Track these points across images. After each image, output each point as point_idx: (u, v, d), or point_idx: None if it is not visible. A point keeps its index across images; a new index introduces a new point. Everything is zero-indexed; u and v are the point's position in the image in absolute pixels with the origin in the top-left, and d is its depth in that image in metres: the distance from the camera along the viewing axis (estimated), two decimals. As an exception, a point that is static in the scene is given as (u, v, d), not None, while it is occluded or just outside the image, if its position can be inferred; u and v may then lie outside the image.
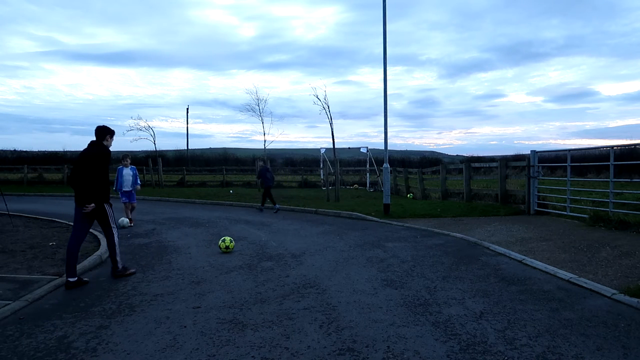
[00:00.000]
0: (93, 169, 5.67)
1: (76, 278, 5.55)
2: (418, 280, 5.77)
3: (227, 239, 7.74)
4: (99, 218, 5.88)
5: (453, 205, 14.21)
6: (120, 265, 5.99)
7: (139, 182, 11.34)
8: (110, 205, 5.97)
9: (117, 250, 6.00)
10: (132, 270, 6.15)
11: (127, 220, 10.68)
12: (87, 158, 5.69)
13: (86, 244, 8.25)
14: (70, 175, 5.77)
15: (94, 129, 5.91)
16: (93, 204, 5.68)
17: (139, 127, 31.24)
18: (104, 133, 5.91)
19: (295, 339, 3.85)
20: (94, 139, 5.89)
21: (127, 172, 10.99)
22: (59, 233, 9.56)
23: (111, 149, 6.06)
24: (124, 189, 10.94)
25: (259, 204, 15.16)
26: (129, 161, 11.13)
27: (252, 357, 3.52)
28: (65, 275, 5.57)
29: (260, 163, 15.73)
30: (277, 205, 14.72)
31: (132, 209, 11.16)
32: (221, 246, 7.64)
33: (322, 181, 26.66)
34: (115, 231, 6.02)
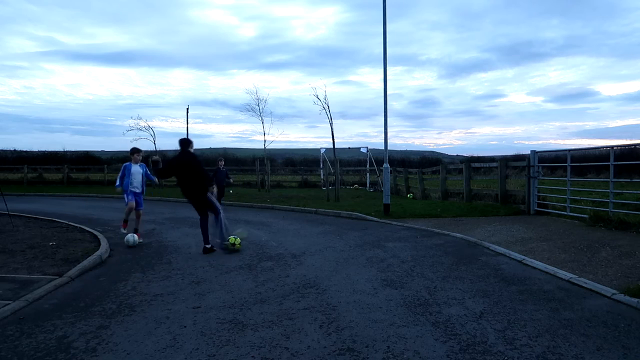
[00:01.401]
0: (198, 169, 7.79)
1: (210, 245, 7.64)
2: (418, 280, 5.77)
3: (237, 239, 7.84)
4: (208, 205, 7.80)
5: (453, 205, 14.21)
6: (213, 244, 7.73)
7: (153, 178, 9.43)
8: (212, 192, 7.84)
9: (223, 226, 7.81)
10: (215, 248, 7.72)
11: (136, 237, 8.52)
12: (192, 161, 7.80)
13: (86, 244, 8.26)
14: (188, 177, 7.76)
15: (180, 140, 8.01)
16: (214, 189, 7.89)
17: (139, 127, 31.04)
18: (189, 143, 8.05)
19: (295, 339, 3.85)
20: (180, 148, 7.98)
21: (137, 170, 9.03)
22: (59, 233, 9.55)
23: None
24: (131, 189, 8.95)
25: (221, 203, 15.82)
26: (140, 157, 9.21)
27: (252, 357, 3.52)
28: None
29: (222, 163, 15.62)
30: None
31: (139, 216, 9.15)
32: (229, 245, 7.72)
33: (322, 181, 26.66)
34: (221, 210, 7.95)
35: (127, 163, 9.12)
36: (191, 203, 7.91)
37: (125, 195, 9.02)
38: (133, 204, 8.94)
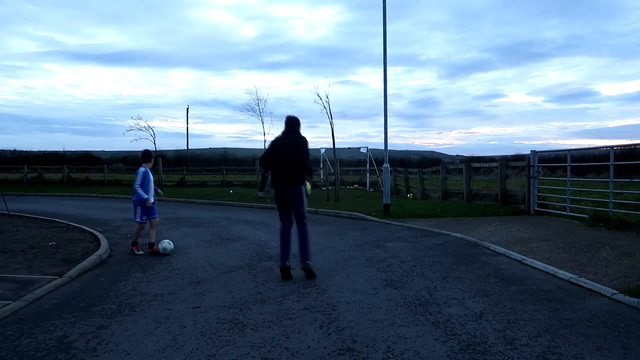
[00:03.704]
0: (305, 156, 6.12)
1: (289, 264, 5.93)
2: (418, 280, 5.77)
3: None
4: (299, 207, 6.07)
5: (453, 205, 14.21)
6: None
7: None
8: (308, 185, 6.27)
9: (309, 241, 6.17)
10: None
11: (171, 243, 7.75)
12: (300, 145, 6.12)
13: (86, 244, 8.26)
14: (289, 164, 6.05)
15: (288, 118, 6.29)
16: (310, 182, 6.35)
17: (139, 127, 31.00)
18: (299, 123, 6.34)
19: (295, 339, 3.85)
20: (285, 128, 6.26)
21: (151, 178, 7.75)
22: (59, 233, 9.56)
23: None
24: (151, 199, 7.64)
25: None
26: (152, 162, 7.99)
27: (252, 357, 3.52)
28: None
29: None
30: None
31: (155, 226, 7.95)
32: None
33: (322, 181, 26.66)
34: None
35: (145, 169, 7.65)
36: (280, 203, 6.15)
37: (140, 214, 7.66)
38: (155, 218, 7.84)
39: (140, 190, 7.53)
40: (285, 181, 6.04)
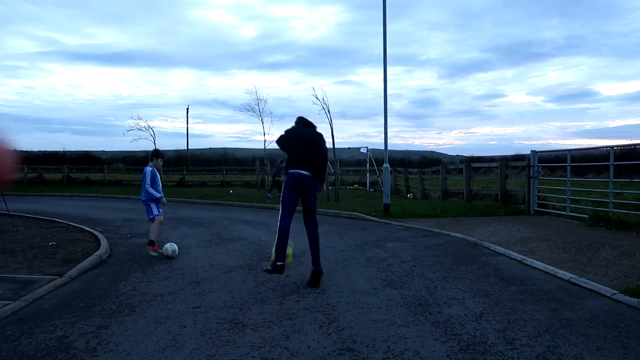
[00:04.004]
0: (325, 151, 6.00)
1: (281, 263, 5.59)
2: (418, 280, 5.77)
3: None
4: (312, 206, 5.91)
5: (453, 205, 14.21)
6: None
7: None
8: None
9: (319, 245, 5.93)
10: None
11: (175, 246, 7.41)
12: (319, 139, 5.96)
13: (86, 244, 8.26)
14: (310, 155, 5.81)
15: (299, 117, 6.13)
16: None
17: (139, 127, 31.13)
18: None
19: (295, 339, 3.85)
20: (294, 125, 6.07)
21: (158, 175, 7.77)
22: (59, 233, 9.55)
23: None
24: (158, 196, 7.63)
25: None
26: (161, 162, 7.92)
27: (252, 357, 3.52)
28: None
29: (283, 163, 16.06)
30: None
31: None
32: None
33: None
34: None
35: (152, 168, 7.60)
36: (291, 192, 5.79)
37: (154, 207, 7.64)
38: (162, 217, 7.76)
39: (151, 190, 7.49)
40: (305, 174, 5.74)
